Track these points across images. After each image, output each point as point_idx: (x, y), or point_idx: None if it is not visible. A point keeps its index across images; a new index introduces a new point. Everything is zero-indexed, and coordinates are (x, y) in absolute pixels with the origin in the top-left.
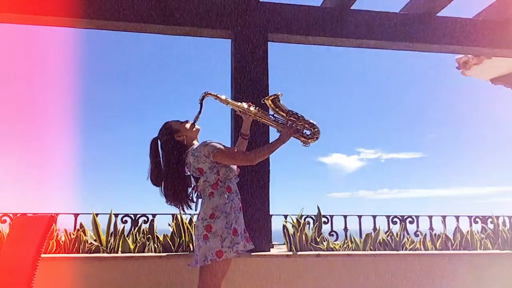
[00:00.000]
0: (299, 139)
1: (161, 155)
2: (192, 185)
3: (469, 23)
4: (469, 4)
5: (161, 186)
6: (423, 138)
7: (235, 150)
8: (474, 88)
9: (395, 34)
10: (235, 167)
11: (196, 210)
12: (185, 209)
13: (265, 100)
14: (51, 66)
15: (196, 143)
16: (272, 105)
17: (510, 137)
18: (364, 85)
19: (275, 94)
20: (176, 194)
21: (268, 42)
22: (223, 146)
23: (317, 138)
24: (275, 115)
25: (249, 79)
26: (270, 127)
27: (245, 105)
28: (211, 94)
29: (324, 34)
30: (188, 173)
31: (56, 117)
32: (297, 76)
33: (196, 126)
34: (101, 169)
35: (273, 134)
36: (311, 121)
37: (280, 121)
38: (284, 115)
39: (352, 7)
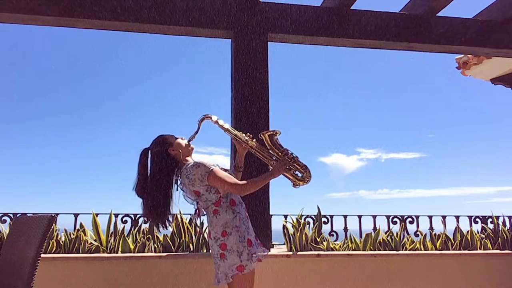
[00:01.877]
0: (289, 178)
1: (149, 167)
2: (194, 209)
3: (469, 23)
4: (469, 4)
5: (143, 200)
6: (423, 138)
7: (229, 177)
8: (474, 88)
9: (395, 34)
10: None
11: (194, 221)
12: (160, 228)
13: (262, 135)
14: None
15: (189, 160)
16: (268, 141)
17: (510, 137)
18: (364, 85)
19: (274, 131)
20: (154, 209)
21: (268, 42)
22: (217, 168)
23: (307, 181)
24: (270, 151)
25: (249, 79)
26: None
27: (244, 136)
28: (210, 117)
29: (324, 34)
30: (181, 191)
31: (55, 116)
32: (297, 76)
33: (191, 145)
34: (102, 169)
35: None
36: (304, 163)
37: (274, 158)
38: (280, 153)
39: (352, 7)
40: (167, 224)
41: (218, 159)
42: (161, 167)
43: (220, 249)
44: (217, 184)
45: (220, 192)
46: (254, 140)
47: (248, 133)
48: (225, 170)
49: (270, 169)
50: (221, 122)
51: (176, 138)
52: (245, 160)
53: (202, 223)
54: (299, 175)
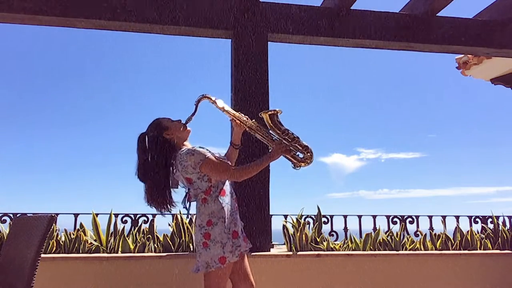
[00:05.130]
0: (290, 160)
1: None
2: (185, 193)
3: (469, 23)
4: (469, 4)
5: (145, 184)
6: (423, 138)
7: (223, 164)
8: (474, 88)
9: (395, 34)
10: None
11: (187, 214)
12: (163, 211)
13: (262, 114)
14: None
15: (187, 145)
16: (269, 121)
17: (510, 137)
18: (364, 85)
19: (274, 110)
20: (156, 195)
21: (268, 42)
22: (211, 155)
23: (309, 162)
24: (270, 131)
25: (249, 79)
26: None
27: (242, 116)
28: (208, 97)
29: (324, 34)
30: (175, 176)
31: (54, 115)
32: (297, 76)
33: (187, 128)
34: (102, 168)
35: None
36: (305, 143)
37: (274, 138)
38: (280, 133)
39: (352, 7)
40: (170, 207)
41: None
42: (157, 152)
43: (204, 238)
44: (210, 173)
45: (211, 181)
46: (253, 120)
47: (246, 115)
48: (220, 158)
49: (270, 151)
50: (219, 102)
51: (173, 121)
52: (247, 145)
53: None
54: (300, 156)
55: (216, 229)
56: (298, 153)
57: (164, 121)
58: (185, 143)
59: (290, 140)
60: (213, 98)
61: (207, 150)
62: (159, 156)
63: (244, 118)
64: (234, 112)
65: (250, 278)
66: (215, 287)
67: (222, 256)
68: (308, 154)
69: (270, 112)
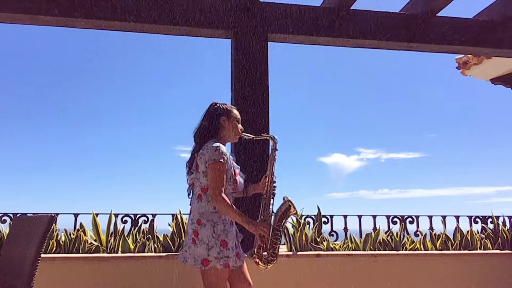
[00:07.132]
0: (254, 247)
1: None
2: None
3: (469, 23)
4: (469, 4)
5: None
6: (423, 138)
7: (221, 183)
8: (474, 88)
9: (395, 34)
10: (235, 182)
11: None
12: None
13: (287, 199)
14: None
15: (223, 142)
16: (283, 209)
17: (510, 137)
18: (364, 85)
19: (295, 210)
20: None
21: (268, 42)
22: (223, 165)
23: (262, 266)
24: (273, 213)
25: (249, 79)
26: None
27: (272, 179)
28: (275, 141)
29: (324, 34)
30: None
31: (54, 115)
32: (297, 76)
33: (240, 135)
34: (101, 168)
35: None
36: (277, 253)
37: (267, 219)
38: (276, 224)
39: (352, 7)
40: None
41: None
42: (205, 125)
43: (193, 234)
44: (210, 175)
45: None
46: (275, 186)
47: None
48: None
49: (257, 220)
50: (275, 153)
51: (237, 121)
52: (250, 159)
53: None
54: (264, 254)
55: (204, 230)
56: (265, 252)
57: (233, 113)
58: (225, 139)
59: (273, 236)
60: (276, 144)
61: (227, 159)
62: (206, 130)
63: (270, 183)
64: (273, 171)
65: (247, 278)
66: (214, 286)
67: (206, 259)
68: (268, 262)
69: (291, 206)
